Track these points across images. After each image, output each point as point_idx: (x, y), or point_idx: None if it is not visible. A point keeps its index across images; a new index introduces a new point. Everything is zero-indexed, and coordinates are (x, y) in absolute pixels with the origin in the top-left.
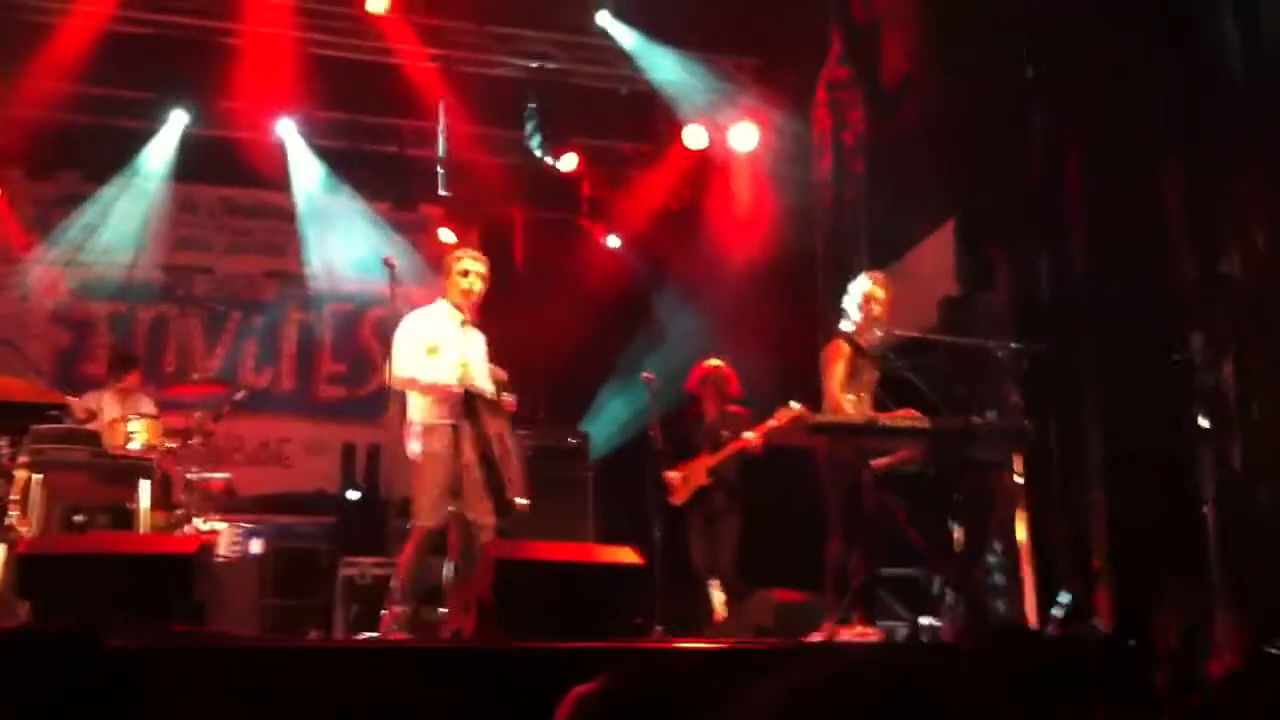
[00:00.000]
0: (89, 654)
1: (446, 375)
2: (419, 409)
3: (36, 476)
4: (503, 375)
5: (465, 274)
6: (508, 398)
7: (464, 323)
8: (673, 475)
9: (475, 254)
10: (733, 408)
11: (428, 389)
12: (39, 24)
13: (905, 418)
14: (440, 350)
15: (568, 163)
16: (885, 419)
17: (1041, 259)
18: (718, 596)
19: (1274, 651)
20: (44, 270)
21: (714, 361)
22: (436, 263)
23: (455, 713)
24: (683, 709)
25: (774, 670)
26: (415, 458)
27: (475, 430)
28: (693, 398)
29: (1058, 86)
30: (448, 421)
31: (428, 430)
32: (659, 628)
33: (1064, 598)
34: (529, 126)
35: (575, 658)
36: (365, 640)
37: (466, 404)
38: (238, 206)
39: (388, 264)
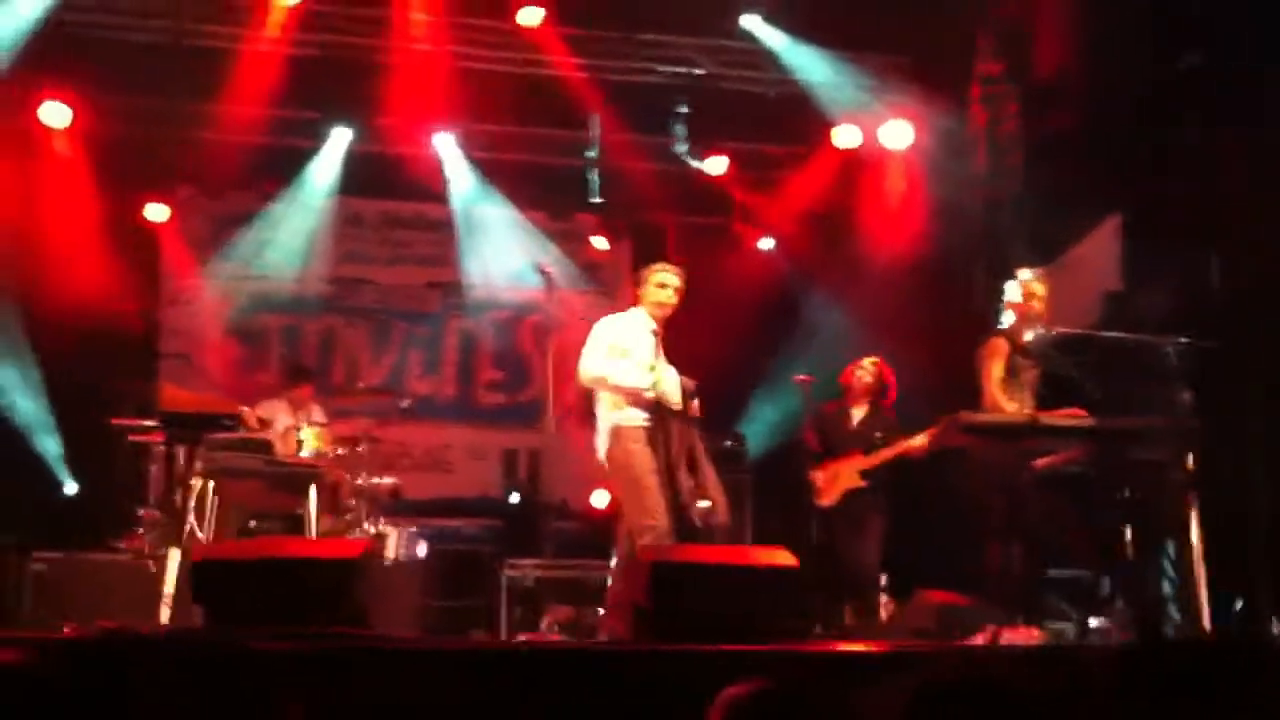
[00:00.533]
0: (234, 657)
1: (636, 378)
2: (612, 410)
3: (211, 484)
4: (690, 385)
5: (663, 286)
6: (694, 404)
7: (655, 332)
8: (818, 475)
9: (674, 269)
10: (883, 404)
11: (615, 388)
12: (213, 49)
13: (1068, 417)
14: (631, 354)
15: (716, 166)
16: (1047, 418)
17: (1211, 255)
18: (870, 599)
19: None
20: (217, 285)
21: (871, 359)
22: (591, 270)
23: (610, 715)
24: (832, 711)
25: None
26: (614, 459)
27: (663, 439)
28: (843, 391)
29: (1216, 77)
30: (642, 424)
31: (624, 432)
32: (816, 629)
33: (1237, 605)
34: (678, 132)
35: (730, 661)
36: (526, 642)
37: (655, 410)
38: (399, 219)
39: (543, 271)
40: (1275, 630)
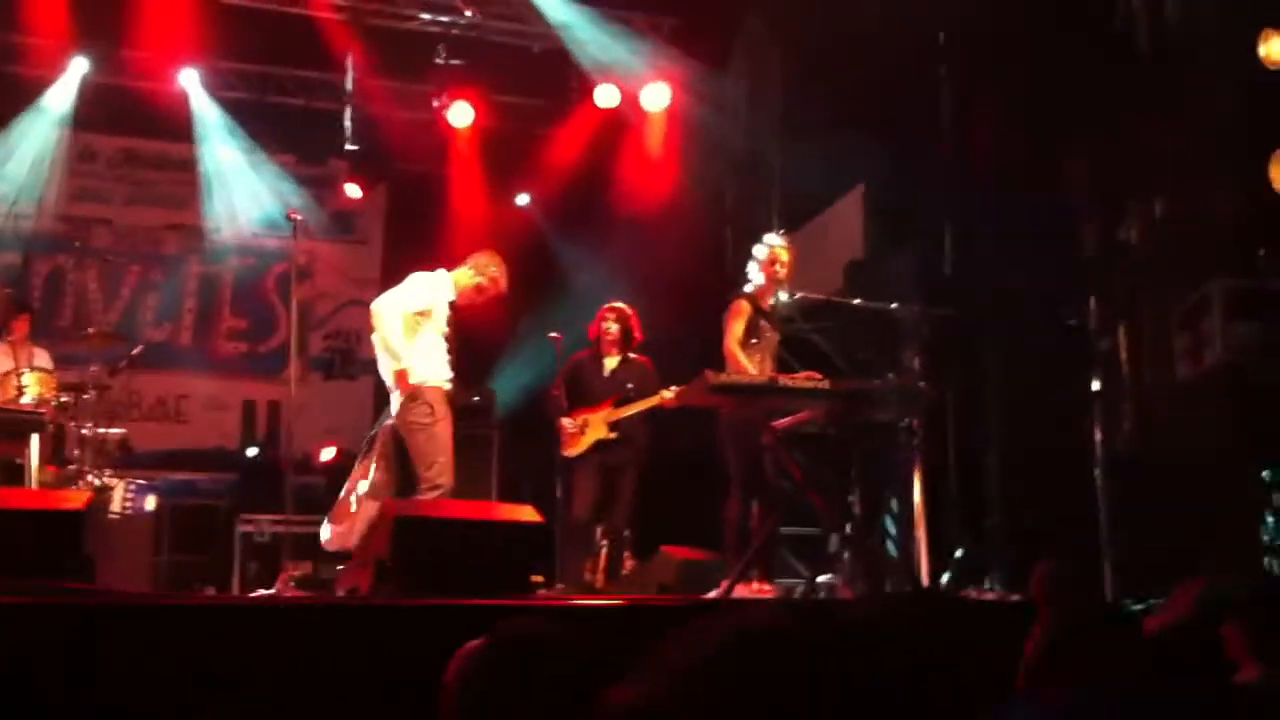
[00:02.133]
0: None
1: (405, 355)
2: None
3: None
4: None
5: (495, 281)
6: None
7: (451, 304)
8: (567, 423)
9: (501, 272)
10: (636, 356)
11: (389, 349)
12: None
13: (806, 379)
14: (432, 315)
15: (462, 117)
16: (786, 380)
17: (946, 226)
18: (605, 551)
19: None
20: None
21: (616, 306)
22: (343, 218)
23: (350, 671)
24: (570, 664)
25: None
26: (415, 414)
27: None
28: (594, 342)
29: (968, 54)
30: (445, 385)
31: (429, 391)
32: (559, 585)
33: (959, 554)
34: (437, 81)
35: (472, 615)
36: (260, 597)
37: None
38: (139, 157)
39: (291, 218)
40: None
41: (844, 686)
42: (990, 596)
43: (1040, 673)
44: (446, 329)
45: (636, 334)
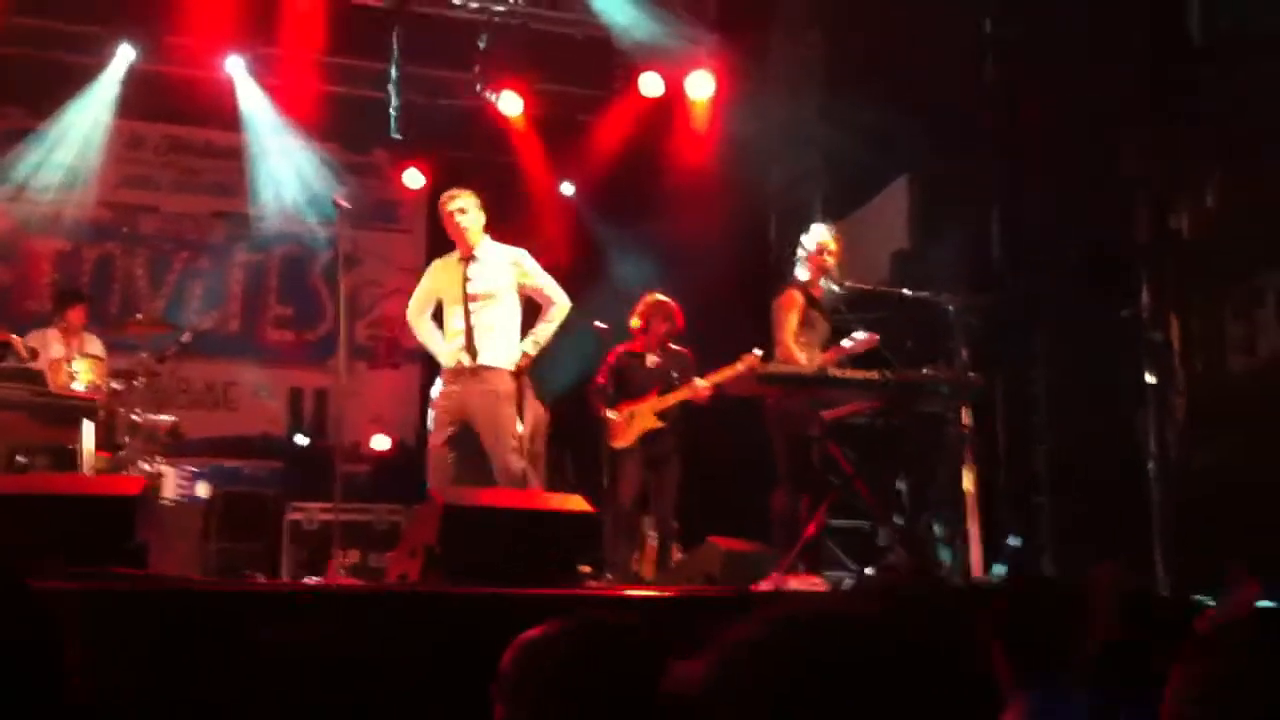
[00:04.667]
0: (14, 597)
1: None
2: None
3: None
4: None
5: (463, 211)
6: None
7: (462, 259)
8: (614, 416)
9: (460, 191)
10: (678, 347)
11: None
12: None
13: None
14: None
15: (512, 105)
16: (836, 370)
17: (994, 215)
18: (652, 541)
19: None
20: None
21: (656, 296)
22: (387, 207)
23: (400, 658)
24: (626, 654)
25: (720, 619)
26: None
27: None
28: (637, 333)
29: (1017, 42)
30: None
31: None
32: (607, 575)
33: (1013, 541)
34: (480, 69)
35: (521, 604)
36: (310, 584)
37: None
38: (185, 144)
39: (338, 205)
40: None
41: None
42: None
43: (1088, 665)
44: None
45: (679, 324)
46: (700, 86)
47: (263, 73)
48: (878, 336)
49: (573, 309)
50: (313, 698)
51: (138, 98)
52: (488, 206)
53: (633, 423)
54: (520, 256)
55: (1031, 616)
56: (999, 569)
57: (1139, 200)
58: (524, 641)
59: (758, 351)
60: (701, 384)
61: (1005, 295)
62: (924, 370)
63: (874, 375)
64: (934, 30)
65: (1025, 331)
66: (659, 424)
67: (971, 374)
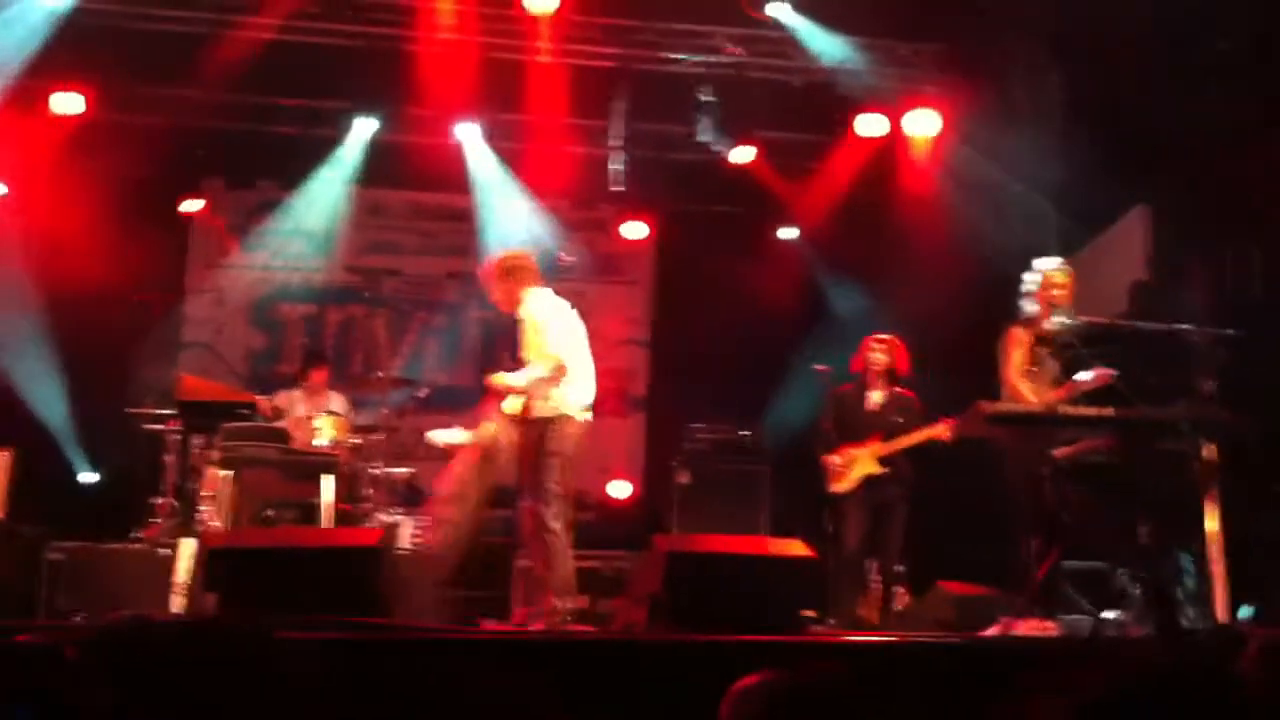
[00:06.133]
0: (261, 646)
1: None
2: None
3: (227, 473)
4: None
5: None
6: None
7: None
8: (834, 461)
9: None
10: (902, 390)
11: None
12: (237, 38)
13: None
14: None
15: (743, 155)
16: (1067, 408)
17: (1249, 245)
18: (877, 587)
19: None
20: (241, 275)
21: (882, 336)
22: (611, 260)
23: (627, 705)
24: (850, 703)
25: (951, 664)
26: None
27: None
28: (858, 375)
29: (1249, 65)
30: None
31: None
32: (830, 621)
33: (1245, 612)
34: (702, 121)
35: (745, 651)
36: (540, 633)
37: None
38: (423, 209)
39: (562, 262)
40: None
41: None
42: None
43: None
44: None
45: (902, 366)
46: (921, 124)
47: (492, 136)
48: (1114, 372)
49: (796, 357)
50: None
51: (378, 167)
52: (709, 255)
53: (853, 467)
54: None
55: None
56: (1245, 611)
57: None
58: (740, 690)
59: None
60: (938, 430)
61: (1256, 327)
62: (1164, 407)
63: (1108, 411)
64: (1169, 53)
65: (1272, 366)
66: (879, 470)
67: (1222, 410)
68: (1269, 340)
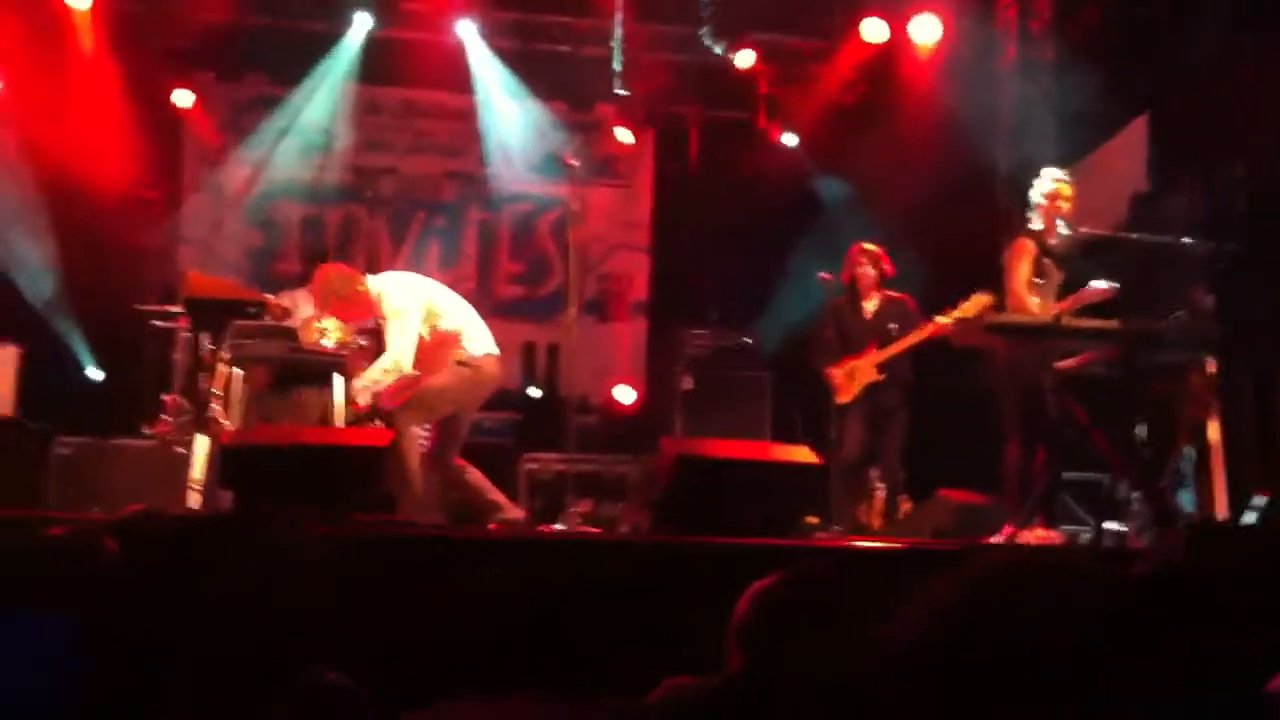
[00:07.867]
0: (298, 537)
1: None
2: None
3: (237, 371)
4: None
5: None
6: None
7: None
8: (836, 372)
9: None
10: (894, 294)
11: None
12: None
13: (1091, 325)
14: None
15: (744, 59)
16: (1070, 319)
17: (1241, 157)
18: (880, 493)
19: None
20: (236, 172)
21: (866, 246)
22: (610, 163)
23: (633, 606)
24: (858, 605)
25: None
26: None
27: None
28: (849, 287)
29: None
30: None
31: None
32: (835, 527)
33: (1258, 501)
34: (704, 23)
35: (753, 555)
36: (547, 532)
37: None
38: (419, 108)
39: (567, 163)
40: None
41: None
42: None
43: None
44: None
45: (888, 270)
46: (926, 31)
47: (491, 34)
48: (1117, 285)
49: (794, 262)
50: (545, 643)
51: (374, 64)
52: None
53: (855, 378)
54: None
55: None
56: (1248, 519)
57: None
58: (759, 590)
59: (984, 296)
60: (942, 320)
61: (1252, 240)
62: (1163, 319)
63: (1111, 324)
64: None
65: (1272, 276)
66: (879, 377)
67: (1218, 322)
68: (1253, 247)
